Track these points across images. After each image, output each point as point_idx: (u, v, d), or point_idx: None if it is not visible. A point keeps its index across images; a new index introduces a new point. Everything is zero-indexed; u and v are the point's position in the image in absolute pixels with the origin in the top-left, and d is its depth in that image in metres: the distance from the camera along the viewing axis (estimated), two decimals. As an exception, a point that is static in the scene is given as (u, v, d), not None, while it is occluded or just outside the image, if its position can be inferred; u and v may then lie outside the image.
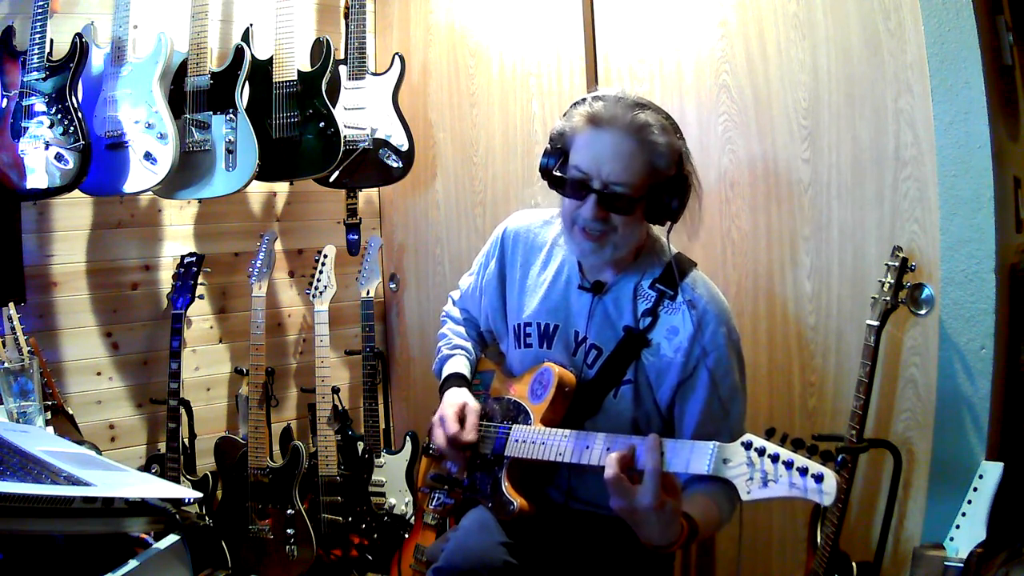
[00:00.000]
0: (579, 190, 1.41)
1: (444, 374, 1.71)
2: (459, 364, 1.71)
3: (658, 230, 1.54)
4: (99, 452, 2.20)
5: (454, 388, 1.64)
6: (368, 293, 2.78)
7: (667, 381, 1.47)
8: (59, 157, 2.28)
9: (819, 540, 1.68)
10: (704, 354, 1.44)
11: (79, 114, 2.30)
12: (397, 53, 2.70)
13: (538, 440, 1.47)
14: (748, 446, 1.14)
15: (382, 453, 2.76)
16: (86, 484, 1.10)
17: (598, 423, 1.51)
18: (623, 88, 1.43)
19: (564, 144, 1.46)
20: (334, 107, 2.57)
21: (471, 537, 1.55)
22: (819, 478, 1.06)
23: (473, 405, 1.60)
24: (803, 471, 1.07)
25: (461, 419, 1.56)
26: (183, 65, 2.48)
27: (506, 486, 1.51)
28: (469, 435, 1.54)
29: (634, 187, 1.38)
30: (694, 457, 1.19)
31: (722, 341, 1.45)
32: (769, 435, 1.15)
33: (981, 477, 1.50)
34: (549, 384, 1.51)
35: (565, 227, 1.49)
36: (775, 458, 1.10)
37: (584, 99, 1.45)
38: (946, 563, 1.47)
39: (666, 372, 1.47)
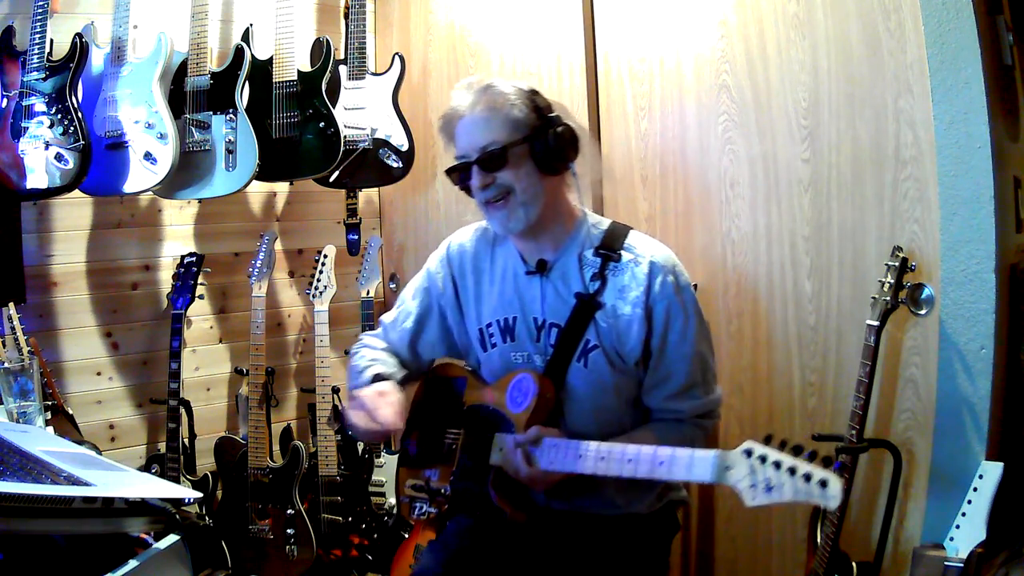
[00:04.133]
0: (465, 171, 1.53)
1: (366, 379, 1.64)
2: (379, 368, 1.67)
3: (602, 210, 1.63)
4: (99, 452, 2.20)
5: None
6: (368, 293, 2.77)
7: (632, 337, 1.51)
8: (59, 157, 2.28)
9: (819, 540, 1.68)
10: (659, 302, 1.51)
11: (79, 114, 2.29)
12: (397, 53, 2.70)
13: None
14: (749, 453, 1.15)
15: (382, 453, 2.75)
16: (86, 484, 1.10)
17: (578, 392, 1.53)
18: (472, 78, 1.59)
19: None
20: (334, 107, 2.57)
21: (453, 542, 1.56)
22: (823, 483, 1.07)
23: (389, 387, 1.58)
24: (807, 477, 1.09)
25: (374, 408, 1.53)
26: (183, 65, 2.48)
27: (495, 496, 1.48)
28: (385, 417, 1.51)
29: (501, 141, 1.49)
30: (695, 465, 1.21)
31: (671, 290, 1.51)
32: (767, 441, 1.15)
33: (981, 477, 1.50)
34: (529, 392, 1.50)
35: (483, 213, 1.57)
36: (778, 465, 1.11)
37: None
38: (946, 563, 1.47)
39: (628, 329, 1.51)
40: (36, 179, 2.28)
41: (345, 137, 2.56)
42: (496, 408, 1.55)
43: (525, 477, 1.42)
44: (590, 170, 1.57)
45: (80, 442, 2.12)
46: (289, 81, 2.53)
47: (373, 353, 1.73)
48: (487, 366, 1.65)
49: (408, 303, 1.74)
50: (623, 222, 1.63)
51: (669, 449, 1.25)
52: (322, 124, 2.54)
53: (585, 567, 1.52)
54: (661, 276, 1.51)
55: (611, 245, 1.55)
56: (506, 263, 1.63)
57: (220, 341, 2.88)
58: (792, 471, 1.10)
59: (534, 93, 1.53)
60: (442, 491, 1.58)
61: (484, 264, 1.67)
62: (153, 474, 2.47)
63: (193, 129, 2.46)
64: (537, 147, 1.50)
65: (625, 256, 1.54)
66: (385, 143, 2.65)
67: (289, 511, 2.54)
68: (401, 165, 2.66)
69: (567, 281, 1.56)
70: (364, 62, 2.66)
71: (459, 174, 1.55)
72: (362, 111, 2.64)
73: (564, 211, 1.58)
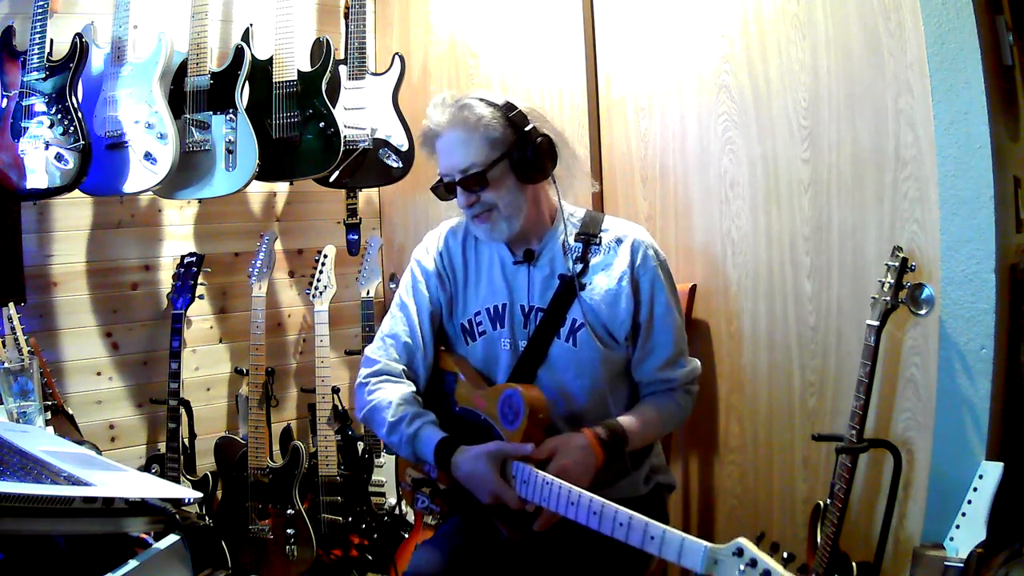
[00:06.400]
0: (449, 190, 1.61)
1: (431, 445, 1.53)
2: (416, 419, 1.57)
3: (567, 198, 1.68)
4: (99, 452, 2.19)
5: (464, 450, 1.50)
6: (368, 293, 2.77)
7: (620, 310, 1.59)
8: (59, 157, 2.28)
9: (819, 540, 1.68)
10: (644, 275, 1.61)
11: (79, 114, 2.29)
12: (397, 53, 2.70)
13: (519, 477, 1.43)
14: (739, 553, 1.09)
15: (382, 453, 2.76)
16: (86, 484, 1.10)
17: (566, 371, 1.58)
18: (446, 92, 1.65)
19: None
20: (334, 107, 2.57)
21: (449, 540, 1.57)
22: None
23: (471, 462, 1.47)
24: None
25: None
26: (183, 65, 2.48)
27: (492, 514, 1.46)
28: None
29: (481, 163, 1.55)
30: (684, 553, 1.16)
31: (652, 263, 1.63)
32: (759, 540, 1.09)
33: (981, 477, 1.50)
34: (520, 411, 1.47)
35: (468, 222, 1.66)
36: (768, 574, 1.06)
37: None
38: (946, 563, 1.47)
39: (615, 302, 1.60)
40: (36, 179, 2.28)
41: (345, 137, 2.56)
42: (488, 419, 1.54)
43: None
44: (567, 170, 1.64)
45: (80, 442, 2.12)
46: (289, 81, 2.53)
47: (391, 392, 1.61)
48: (472, 356, 1.68)
49: (408, 301, 1.73)
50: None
51: (661, 527, 1.20)
52: (322, 124, 2.54)
53: (573, 553, 1.51)
54: (643, 251, 1.62)
55: (590, 230, 1.65)
56: (492, 254, 1.70)
57: (220, 341, 2.88)
58: None
59: (509, 108, 1.57)
60: (444, 489, 1.57)
61: (471, 256, 1.72)
62: (153, 474, 2.47)
63: (193, 129, 2.46)
64: (516, 161, 1.56)
65: (605, 238, 1.64)
66: (385, 143, 2.65)
67: (289, 511, 2.54)
68: (401, 165, 2.66)
69: (553, 266, 1.64)
70: (364, 62, 2.66)
71: (444, 192, 1.63)
72: (362, 111, 2.64)
73: (545, 209, 1.67)
